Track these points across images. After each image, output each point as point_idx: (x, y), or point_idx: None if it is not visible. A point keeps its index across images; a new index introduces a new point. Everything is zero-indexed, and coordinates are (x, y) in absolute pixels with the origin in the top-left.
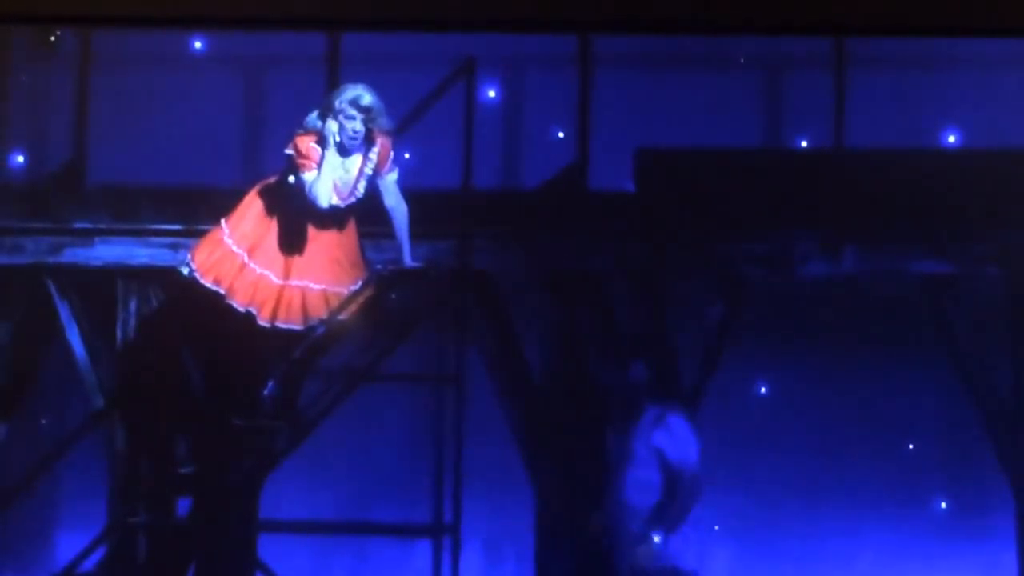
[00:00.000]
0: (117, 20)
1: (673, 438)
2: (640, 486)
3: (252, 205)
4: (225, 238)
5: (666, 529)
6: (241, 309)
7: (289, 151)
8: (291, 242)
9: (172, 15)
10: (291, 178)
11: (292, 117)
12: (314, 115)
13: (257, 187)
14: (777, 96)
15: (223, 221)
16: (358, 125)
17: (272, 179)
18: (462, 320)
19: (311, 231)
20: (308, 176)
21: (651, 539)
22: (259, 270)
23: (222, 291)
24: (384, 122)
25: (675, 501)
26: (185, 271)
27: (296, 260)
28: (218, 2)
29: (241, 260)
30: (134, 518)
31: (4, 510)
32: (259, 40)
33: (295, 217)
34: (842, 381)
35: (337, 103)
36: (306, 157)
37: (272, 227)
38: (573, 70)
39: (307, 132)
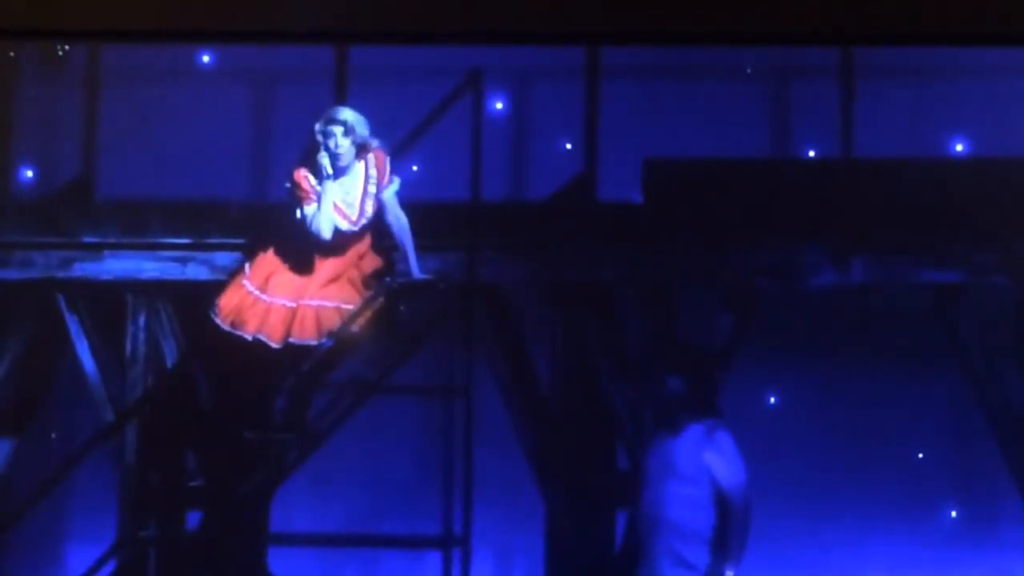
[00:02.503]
0: (126, 35)
1: (724, 457)
2: (684, 502)
3: (269, 245)
4: (243, 280)
5: (735, 562)
6: (249, 337)
7: (287, 184)
8: (303, 270)
9: (180, 30)
10: (297, 212)
11: (300, 130)
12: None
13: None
14: (785, 106)
15: (247, 265)
16: (340, 139)
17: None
18: (471, 332)
19: (324, 257)
20: (308, 210)
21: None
22: (268, 299)
23: (229, 327)
24: (364, 132)
25: (734, 529)
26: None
27: (309, 285)
28: (226, 16)
29: (255, 296)
30: (144, 531)
31: (15, 524)
32: (267, 54)
33: (306, 246)
34: (851, 391)
35: (317, 128)
36: (304, 190)
37: (285, 258)
38: (580, 81)
39: (303, 165)
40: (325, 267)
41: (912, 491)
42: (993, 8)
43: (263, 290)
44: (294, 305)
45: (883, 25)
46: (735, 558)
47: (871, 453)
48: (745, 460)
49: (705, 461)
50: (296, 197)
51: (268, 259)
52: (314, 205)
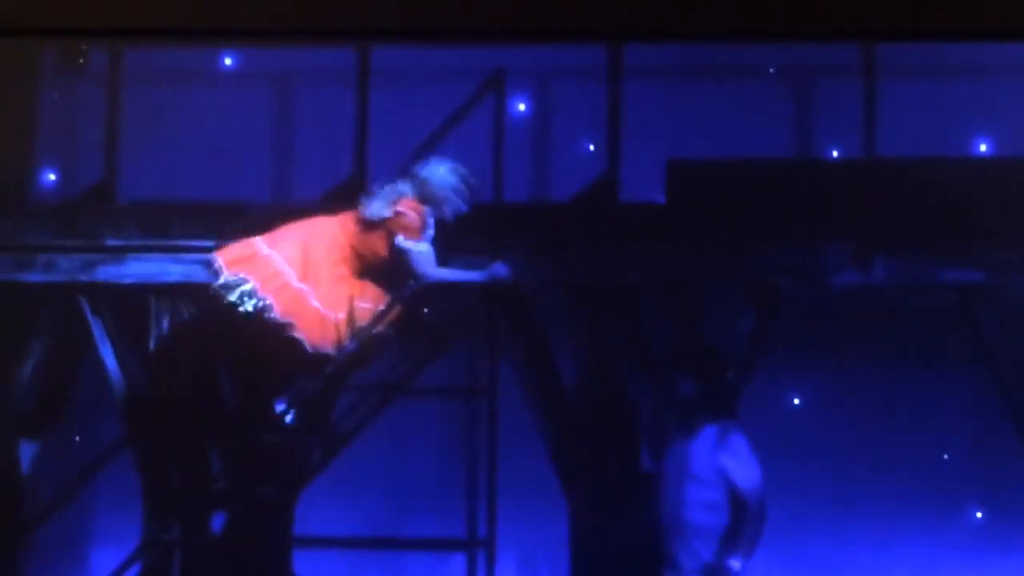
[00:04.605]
0: (147, 33)
1: (738, 460)
2: (702, 506)
3: (311, 233)
4: (264, 248)
5: (743, 555)
6: (250, 283)
7: (401, 210)
8: (310, 238)
9: (201, 29)
10: (400, 240)
11: (322, 132)
12: (404, 183)
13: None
14: (808, 106)
15: (256, 239)
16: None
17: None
18: (494, 333)
19: (370, 267)
20: (416, 246)
21: (729, 566)
22: (316, 304)
23: (227, 267)
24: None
25: (747, 525)
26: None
27: (354, 298)
28: (247, 17)
29: (261, 252)
30: (168, 535)
31: (38, 527)
32: (288, 55)
33: (366, 260)
34: (875, 391)
35: (451, 181)
36: (413, 228)
37: (333, 262)
38: (603, 82)
39: (415, 197)
40: (369, 275)
41: (937, 492)
42: (1017, 4)
43: (271, 245)
44: (303, 288)
45: (906, 21)
46: (744, 552)
47: (895, 454)
48: (769, 461)
49: (720, 463)
50: (399, 225)
51: (308, 249)
52: (425, 244)
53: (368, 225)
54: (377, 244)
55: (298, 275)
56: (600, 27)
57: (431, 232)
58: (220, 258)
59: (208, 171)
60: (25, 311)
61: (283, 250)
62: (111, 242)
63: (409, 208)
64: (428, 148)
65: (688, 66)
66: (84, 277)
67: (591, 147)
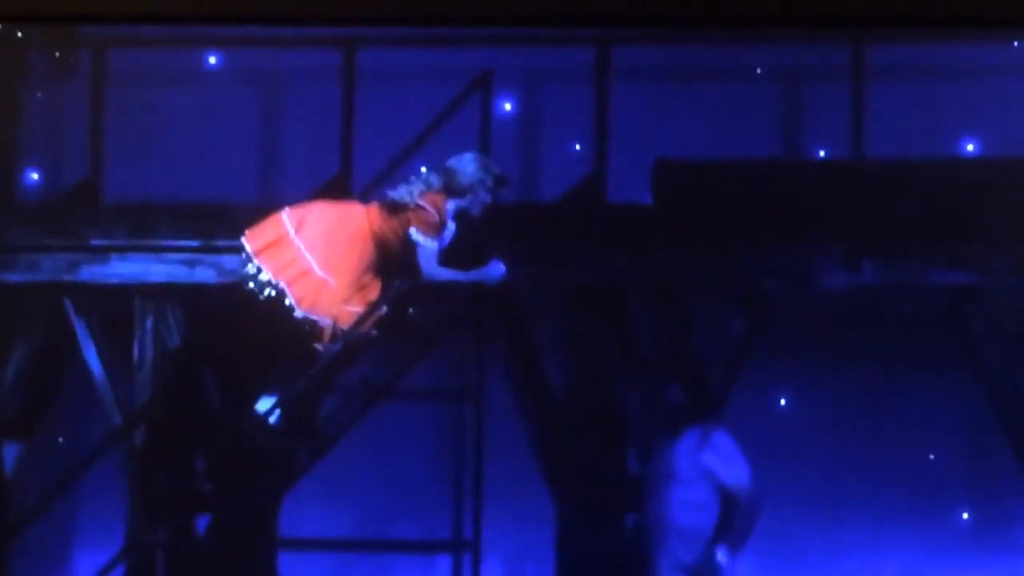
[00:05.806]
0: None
1: (722, 458)
2: (687, 506)
3: (339, 217)
4: (290, 232)
5: (731, 546)
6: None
7: (422, 203)
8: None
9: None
10: (413, 231)
11: (308, 131)
12: (434, 174)
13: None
14: (795, 107)
15: (285, 214)
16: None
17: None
18: (481, 335)
19: (386, 255)
20: (426, 241)
21: (715, 556)
22: (299, 244)
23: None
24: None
25: (740, 520)
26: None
27: (339, 256)
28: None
29: (289, 236)
30: (153, 537)
31: (23, 529)
32: (274, 55)
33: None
34: (863, 393)
35: (484, 174)
36: (429, 223)
37: (354, 251)
38: (590, 82)
39: (440, 192)
40: (352, 227)
41: (924, 493)
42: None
43: (298, 228)
44: (325, 278)
45: (897, 16)
46: (733, 544)
47: (882, 455)
48: (755, 462)
49: (704, 463)
50: (415, 217)
51: (334, 240)
52: (434, 242)
53: (390, 210)
54: (395, 230)
55: (320, 263)
56: (588, 21)
57: (451, 228)
58: (249, 244)
59: (193, 171)
60: (8, 311)
61: (308, 234)
62: (95, 242)
63: (430, 203)
64: (415, 148)
65: (675, 66)
66: (68, 277)
67: (577, 147)
